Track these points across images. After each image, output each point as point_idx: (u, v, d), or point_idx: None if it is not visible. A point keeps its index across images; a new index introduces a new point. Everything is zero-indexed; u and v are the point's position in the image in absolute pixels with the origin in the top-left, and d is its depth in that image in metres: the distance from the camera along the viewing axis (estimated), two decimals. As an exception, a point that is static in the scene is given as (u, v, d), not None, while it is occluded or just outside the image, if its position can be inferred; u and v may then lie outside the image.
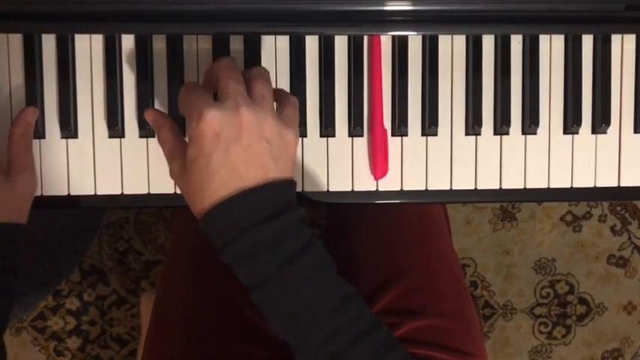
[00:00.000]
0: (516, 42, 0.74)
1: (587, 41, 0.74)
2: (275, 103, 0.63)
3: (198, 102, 0.57)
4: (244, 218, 0.56)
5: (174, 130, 0.63)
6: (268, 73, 0.61)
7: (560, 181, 0.75)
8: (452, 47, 0.74)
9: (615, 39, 0.75)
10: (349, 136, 0.73)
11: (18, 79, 0.70)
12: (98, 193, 0.72)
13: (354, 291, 0.59)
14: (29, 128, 0.69)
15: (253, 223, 0.56)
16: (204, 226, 0.57)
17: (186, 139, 0.59)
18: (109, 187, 0.72)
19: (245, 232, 0.56)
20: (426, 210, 0.94)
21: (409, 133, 0.74)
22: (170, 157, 0.61)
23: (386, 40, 0.73)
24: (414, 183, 0.74)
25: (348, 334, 0.56)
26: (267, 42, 0.72)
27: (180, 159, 0.60)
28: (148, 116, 0.65)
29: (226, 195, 0.56)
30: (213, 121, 0.55)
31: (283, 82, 0.72)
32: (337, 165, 0.73)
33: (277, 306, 0.57)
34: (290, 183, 0.59)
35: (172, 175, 0.61)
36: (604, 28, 0.74)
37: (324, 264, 0.58)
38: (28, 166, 0.68)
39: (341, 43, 0.73)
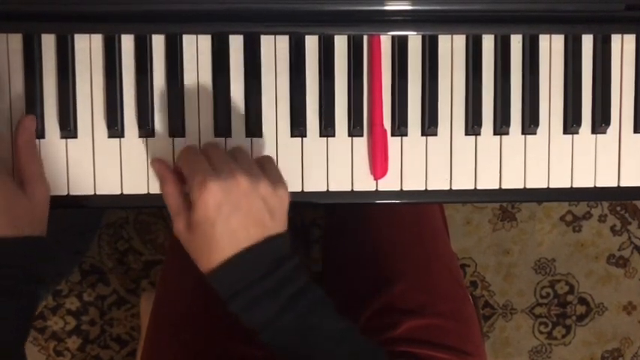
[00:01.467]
0: (516, 42, 0.74)
1: (587, 41, 0.74)
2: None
3: (199, 169, 0.63)
4: (244, 276, 0.62)
5: (177, 187, 0.67)
6: (243, 149, 0.67)
7: (560, 181, 0.75)
8: (452, 47, 0.74)
9: (615, 39, 0.75)
10: (349, 136, 0.73)
11: (18, 79, 0.70)
12: (98, 193, 0.72)
13: (351, 325, 0.65)
14: (31, 135, 0.69)
15: (253, 280, 0.62)
16: (212, 282, 0.64)
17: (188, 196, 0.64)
18: (108, 187, 0.72)
19: (246, 288, 0.62)
20: (424, 210, 0.95)
21: (409, 133, 0.74)
22: (174, 213, 0.66)
23: (386, 40, 0.73)
24: (414, 183, 0.74)
25: None
26: (267, 42, 0.72)
27: (183, 216, 0.64)
28: (153, 166, 0.69)
29: (228, 256, 0.62)
30: (215, 192, 0.61)
31: (283, 82, 0.72)
32: (337, 165, 0.73)
33: (282, 346, 0.63)
34: (283, 236, 0.65)
35: (176, 231, 0.65)
36: (604, 28, 0.74)
37: (320, 304, 0.64)
38: (39, 173, 0.68)
39: (341, 43, 0.73)
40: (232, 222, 0.62)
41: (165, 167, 0.68)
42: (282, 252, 0.64)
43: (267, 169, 0.66)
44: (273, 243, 0.64)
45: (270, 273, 0.62)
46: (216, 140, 0.71)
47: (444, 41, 0.73)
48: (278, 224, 0.65)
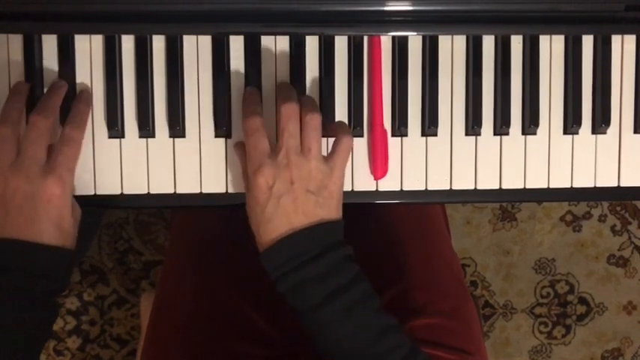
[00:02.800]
0: (516, 42, 0.74)
1: (587, 42, 0.74)
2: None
3: (258, 150, 0.66)
4: (294, 257, 0.64)
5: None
6: (319, 117, 0.67)
7: (560, 181, 0.75)
8: (452, 47, 0.74)
9: (615, 39, 0.75)
10: (349, 136, 0.73)
11: (18, 79, 0.70)
12: (98, 193, 0.72)
13: (395, 322, 0.66)
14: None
15: (303, 261, 0.64)
16: (262, 261, 0.66)
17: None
18: (109, 187, 0.72)
19: (295, 268, 0.64)
20: (425, 209, 0.95)
21: (409, 134, 0.74)
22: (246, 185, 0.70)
23: (386, 41, 0.73)
24: (414, 183, 0.74)
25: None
26: (267, 42, 0.72)
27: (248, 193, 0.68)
28: (236, 149, 0.72)
29: (278, 237, 0.65)
30: (267, 175, 0.65)
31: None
32: (337, 165, 0.73)
33: (323, 332, 0.65)
34: (337, 223, 0.67)
35: (247, 206, 0.69)
36: (604, 28, 0.74)
37: (368, 298, 0.65)
38: (70, 185, 0.68)
39: (341, 44, 0.73)
40: (282, 205, 0.64)
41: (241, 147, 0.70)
42: (334, 238, 0.66)
43: (333, 156, 0.67)
44: (325, 228, 0.65)
45: (320, 257, 0.64)
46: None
47: (444, 42, 0.73)
48: (330, 212, 0.66)
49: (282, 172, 0.65)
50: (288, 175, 0.65)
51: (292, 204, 0.64)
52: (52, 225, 0.64)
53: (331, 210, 0.66)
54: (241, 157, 0.71)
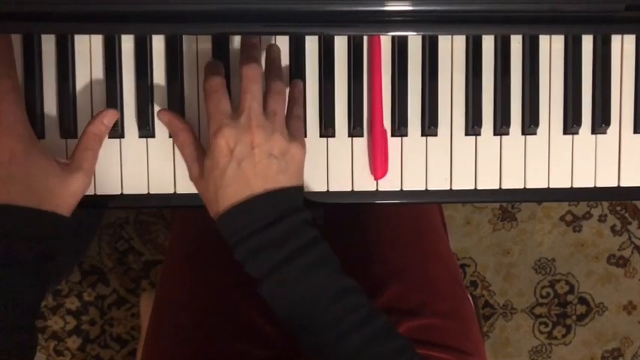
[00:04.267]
0: (516, 42, 0.74)
1: (587, 41, 0.74)
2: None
3: (218, 111, 0.64)
4: (252, 222, 0.63)
5: (192, 134, 0.69)
6: (283, 83, 0.68)
7: (560, 181, 0.75)
8: (452, 47, 0.74)
9: (615, 39, 0.75)
10: (349, 136, 0.73)
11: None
12: (98, 193, 0.72)
13: (354, 284, 0.65)
14: (103, 129, 0.69)
15: (260, 226, 0.63)
16: (219, 227, 0.65)
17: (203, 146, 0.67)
18: (109, 187, 0.72)
19: (253, 233, 0.63)
20: (422, 209, 0.94)
21: (409, 134, 0.74)
22: (190, 161, 0.68)
23: (386, 41, 0.73)
24: (414, 183, 0.74)
25: (347, 322, 0.62)
26: (267, 42, 0.72)
27: (198, 163, 0.67)
28: (163, 117, 0.70)
29: (237, 201, 0.63)
30: (228, 137, 0.63)
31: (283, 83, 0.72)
32: (337, 165, 0.73)
33: (281, 297, 0.64)
34: (296, 189, 0.66)
35: (191, 177, 0.68)
36: (604, 28, 0.74)
37: (325, 260, 0.64)
38: (86, 166, 0.68)
39: (341, 44, 0.73)
40: (243, 167, 0.63)
41: (176, 117, 0.69)
42: (293, 204, 0.65)
43: (289, 124, 0.67)
44: (284, 193, 0.64)
45: (278, 222, 0.63)
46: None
47: (444, 41, 0.73)
48: (291, 178, 0.65)
49: (244, 134, 0.63)
50: (250, 138, 0.63)
51: (253, 168, 0.63)
52: (23, 186, 0.63)
53: (292, 176, 0.65)
54: (177, 133, 0.69)
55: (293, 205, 0.65)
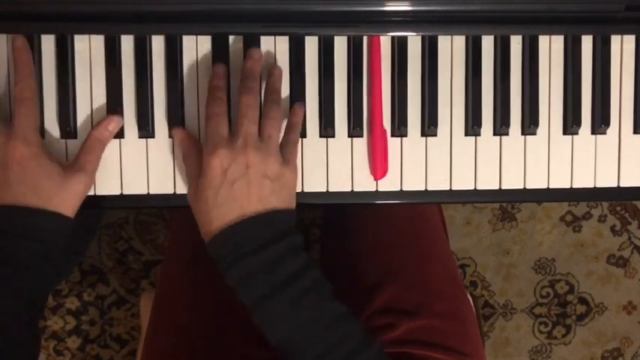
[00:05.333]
0: (516, 42, 0.74)
1: (587, 42, 0.74)
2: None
3: (217, 133, 0.65)
4: (244, 244, 0.63)
5: (194, 153, 0.69)
6: (280, 109, 0.69)
7: (560, 181, 0.75)
8: (451, 48, 0.74)
9: (615, 39, 0.75)
10: (349, 136, 0.73)
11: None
12: (98, 193, 0.72)
13: (346, 311, 0.64)
14: (107, 135, 0.70)
15: (251, 249, 0.62)
16: (210, 250, 0.65)
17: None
18: (108, 187, 0.72)
19: (244, 256, 0.62)
20: (422, 209, 0.94)
21: (409, 134, 0.74)
22: (189, 180, 0.68)
23: (385, 41, 0.73)
24: (414, 183, 0.74)
25: (340, 351, 0.62)
26: (267, 42, 0.72)
27: (194, 182, 0.67)
28: (177, 135, 0.70)
29: (229, 222, 0.63)
30: (223, 157, 0.64)
31: (283, 83, 0.72)
32: (337, 165, 0.73)
33: (274, 325, 0.63)
34: (289, 212, 0.66)
35: (188, 197, 0.68)
36: (604, 28, 0.74)
37: (317, 287, 0.64)
38: (88, 168, 0.68)
39: (341, 44, 0.73)
40: (236, 188, 0.63)
41: (190, 136, 0.70)
42: (285, 227, 0.65)
43: (284, 148, 0.68)
44: (275, 216, 0.64)
45: (270, 245, 0.63)
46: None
47: (443, 42, 0.73)
48: (283, 202, 0.65)
49: (239, 155, 0.64)
50: (245, 160, 0.64)
51: (246, 189, 0.63)
52: (28, 187, 0.64)
53: (284, 199, 0.66)
54: (186, 152, 0.69)
55: (285, 227, 0.65)
